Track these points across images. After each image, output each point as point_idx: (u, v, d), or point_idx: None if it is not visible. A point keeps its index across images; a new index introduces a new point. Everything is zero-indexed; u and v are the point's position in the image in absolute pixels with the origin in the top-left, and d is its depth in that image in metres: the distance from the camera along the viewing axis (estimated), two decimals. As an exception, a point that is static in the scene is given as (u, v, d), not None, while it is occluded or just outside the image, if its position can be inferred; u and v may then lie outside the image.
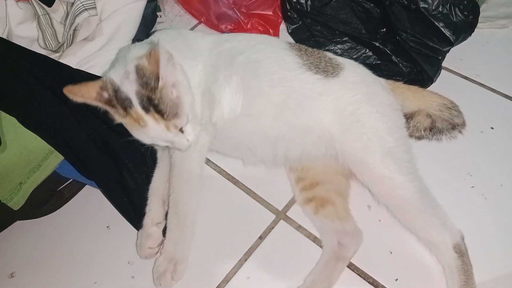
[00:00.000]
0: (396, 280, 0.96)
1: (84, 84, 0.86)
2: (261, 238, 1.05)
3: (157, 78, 0.84)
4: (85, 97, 0.85)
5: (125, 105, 0.86)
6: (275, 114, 0.99)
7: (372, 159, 0.94)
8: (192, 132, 0.91)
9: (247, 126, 1.01)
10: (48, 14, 1.12)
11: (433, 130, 1.11)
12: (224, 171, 1.18)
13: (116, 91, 0.86)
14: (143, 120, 0.86)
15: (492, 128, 1.20)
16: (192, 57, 1.03)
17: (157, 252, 1.01)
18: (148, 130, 0.87)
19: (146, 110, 0.85)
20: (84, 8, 1.07)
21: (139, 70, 0.86)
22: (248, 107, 0.99)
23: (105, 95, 0.86)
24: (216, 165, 1.20)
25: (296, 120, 0.99)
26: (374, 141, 0.95)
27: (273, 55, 1.02)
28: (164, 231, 1.01)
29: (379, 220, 1.05)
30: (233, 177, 1.17)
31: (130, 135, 0.93)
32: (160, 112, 0.85)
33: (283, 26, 1.47)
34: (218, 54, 1.04)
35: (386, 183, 0.94)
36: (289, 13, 1.38)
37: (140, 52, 0.90)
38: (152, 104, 0.85)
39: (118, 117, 0.88)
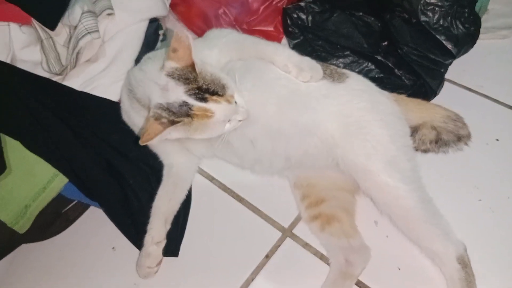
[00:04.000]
0: (406, 297, 0.95)
1: (145, 129, 0.84)
2: (267, 256, 1.04)
3: (193, 67, 0.85)
4: (156, 135, 0.84)
5: (185, 111, 0.85)
6: (278, 107, 0.98)
7: (375, 166, 0.94)
8: (241, 99, 0.91)
9: (251, 112, 0.98)
10: (51, 37, 1.13)
11: (439, 142, 1.11)
12: (229, 188, 1.18)
13: (168, 108, 0.85)
14: (209, 110, 0.85)
15: (497, 140, 1.19)
16: (207, 46, 1.02)
17: (156, 271, 1.01)
18: (217, 116, 0.86)
19: (204, 100, 0.85)
20: (87, 31, 1.08)
21: (172, 74, 0.86)
22: (253, 94, 0.98)
23: (165, 120, 0.85)
24: (221, 183, 1.19)
25: (298, 118, 0.98)
26: (378, 148, 0.95)
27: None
28: (164, 250, 1.02)
29: (387, 236, 1.04)
30: (238, 194, 1.16)
31: (136, 153, 0.93)
32: (214, 93, 0.86)
33: (284, 42, 1.47)
34: (230, 40, 1.04)
35: (389, 192, 0.93)
36: (290, 29, 1.38)
37: (154, 66, 0.92)
38: (204, 91, 0.86)
39: (188, 129, 0.87)
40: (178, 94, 0.85)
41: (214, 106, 0.86)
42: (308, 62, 1.00)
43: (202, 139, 0.94)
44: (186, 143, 1.08)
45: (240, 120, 0.91)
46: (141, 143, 0.83)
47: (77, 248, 1.11)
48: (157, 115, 0.85)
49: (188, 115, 0.85)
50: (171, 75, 0.86)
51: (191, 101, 0.85)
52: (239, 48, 1.01)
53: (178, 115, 0.85)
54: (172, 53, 0.86)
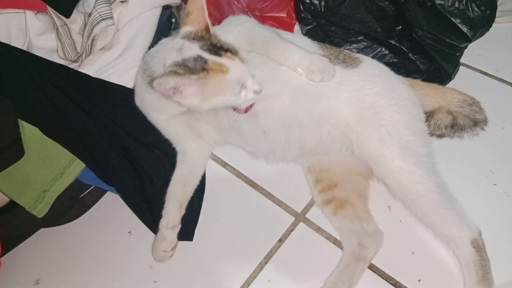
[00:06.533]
0: (419, 281, 0.95)
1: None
2: (280, 240, 1.05)
3: (207, 29, 0.88)
4: (173, 79, 0.85)
5: (200, 65, 0.86)
6: (293, 97, 0.98)
7: (389, 152, 0.94)
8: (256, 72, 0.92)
9: (264, 104, 0.98)
10: (66, 25, 1.14)
11: (455, 127, 1.10)
12: (242, 174, 1.19)
13: (183, 63, 0.86)
14: (223, 65, 0.86)
15: (513, 124, 1.18)
16: (223, 33, 1.00)
17: (171, 255, 1.02)
18: (231, 73, 0.87)
19: (218, 54, 0.87)
20: (101, 18, 1.09)
21: (187, 36, 0.89)
22: (266, 85, 0.96)
23: (181, 72, 0.85)
24: (234, 169, 1.20)
25: (312, 107, 0.98)
26: (392, 134, 0.95)
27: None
28: (179, 234, 1.03)
29: (400, 221, 1.04)
30: (251, 180, 1.17)
31: (150, 139, 0.95)
32: (228, 50, 0.88)
33: (297, 28, 1.47)
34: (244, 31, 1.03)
35: (403, 177, 0.93)
36: (303, 15, 1.38)
37: (169, 39, 0.95)
38: (219, 47, 0.88)
39: (203, 87, 0.87)
40: (193, 49, 0.87)
41: (228, 62, 0.87)
42: (318, 63, 0.96)
43: (217, 109, 0.93)
44: (197, 127, 1.09)
45: (255, 92, 0.90)
46: (154, 84, 0.83)
47: (94, 233, 1.13)
48: (172, 70, 0.86)
49: (204, 69, 0.85)
50: (186, 37, 0.89)
51: (206, 55, 0.86)
52: (251, 43, 1.00)
53: (193, 70, 0.85)
54: (186, 17, 0.88)
